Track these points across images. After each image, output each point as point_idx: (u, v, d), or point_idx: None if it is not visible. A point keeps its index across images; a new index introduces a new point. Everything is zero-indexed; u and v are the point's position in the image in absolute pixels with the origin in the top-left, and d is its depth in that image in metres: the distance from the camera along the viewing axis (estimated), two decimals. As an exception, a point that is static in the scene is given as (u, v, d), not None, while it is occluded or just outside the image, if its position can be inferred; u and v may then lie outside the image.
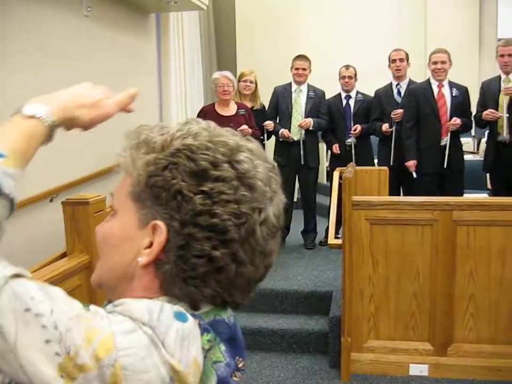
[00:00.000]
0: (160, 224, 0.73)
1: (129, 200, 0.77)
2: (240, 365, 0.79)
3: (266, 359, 3.81)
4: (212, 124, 0.79)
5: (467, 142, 6.84)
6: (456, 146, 4.69)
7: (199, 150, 0.73)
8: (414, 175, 4.70)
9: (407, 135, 4.77)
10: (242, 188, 0.74)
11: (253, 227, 0.74)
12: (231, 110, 4.70)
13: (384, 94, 5.19)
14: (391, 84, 5.20)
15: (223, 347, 0.75)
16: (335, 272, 4.32)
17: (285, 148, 5.29)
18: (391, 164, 4.94)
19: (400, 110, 4.93)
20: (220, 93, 4.63)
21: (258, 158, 0.78)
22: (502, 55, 4.47)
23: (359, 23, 8.00)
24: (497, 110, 4.50)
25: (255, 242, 0.75)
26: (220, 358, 0.74)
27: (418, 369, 3.45)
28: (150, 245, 0.74)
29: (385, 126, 5.02)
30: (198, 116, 4.73)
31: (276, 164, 0.82)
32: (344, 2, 8.07)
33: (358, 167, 4.24)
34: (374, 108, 5.25)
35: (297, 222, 5.56)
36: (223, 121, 4.59)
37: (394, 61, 5.10)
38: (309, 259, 5.02)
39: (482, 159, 5.09)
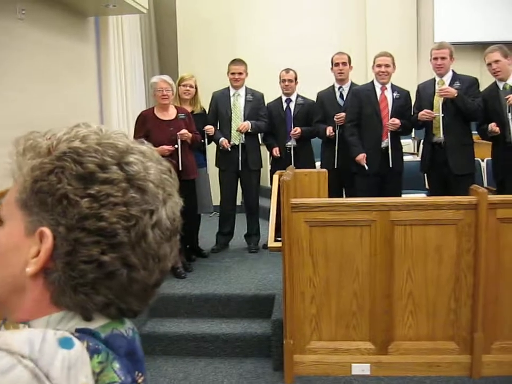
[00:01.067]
0: (46, 230, 0.70)
1: (16, 208, 0.73)
2: (139, 380, 0.74)
3: (210, 365, 3.78)
4: (104, 127, 0.77)
5: (407, 144, 6.98)
6: (396, 147, 4.77)
7: (86, 153, 0.70)
8: (366, 167, 4.73)
9: (349, 132, 4.82)
10: (132, 190, 0.71)
11: (144, 230, 0.71)
12: (171, 114, 4.64)
13: (327, 96, 5.23)
14: (333, 86, 5.25)
15: (117, 365, 0.70)
16: (277, 274, 4.31)
17: (225, 152, 5.27)
18: (335, 166, 4.99)
19: (343, 114, 4.97)
20: (158, 97, 4.57)
21: (151, 160, 0.75)
22: (436, 58, 4.57)
23: (300, 26, 8.06)
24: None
25: (147, 245, 0.72)
26: (113, 379, 0.69)
27: (360, 368, 3.49)
28: (38, 254, 0.70)
29: (329, 130, 5.06)
30: (137, 120, 4.66)
31: (171, 167, 0.80)
32: (285, 6, 8.12)
33: (297, 170, 4.26)
34: (317, 110, 5.29)
35: (241, 225, 5.56)
36: (163, 125, 4.57)
37: (337, 64, 5.15)
38: (252, 262, 5.02)
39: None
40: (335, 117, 4.99)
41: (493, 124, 4.45)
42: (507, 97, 4.29)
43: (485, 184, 5.45)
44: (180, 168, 4.44)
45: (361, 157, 4.75)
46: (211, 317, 4.14)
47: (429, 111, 4.52)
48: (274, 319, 3.71)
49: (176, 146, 4.49)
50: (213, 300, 4.18)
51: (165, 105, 4.60)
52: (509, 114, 4.33)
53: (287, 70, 5.46)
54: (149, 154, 0.76)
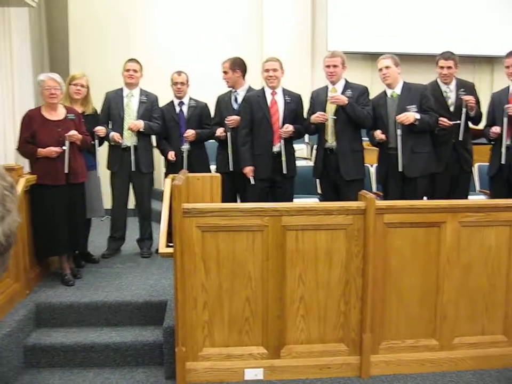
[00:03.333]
0: None
1: None
2: None
3: (100, 376, 3.63)
4: None
5: (301, 149, 7.12)
6: (288, 152, 4.83)
7: None
8: (252, 181, 4.77)
9: (242, 142, 4.84)
10: None
11: None
12: (59, 114, 4.43)
13: (224, 100, 5.23)
14: (230, 90, 5.24)
15: None
16: (170, 280, 4.23)
17: (117, 154, 5.14)
18: (229, 169, 4.98)
19: (234, 117, 4.98)
20: (46, 96, 4.35)
21: None
22: (328, 66, 4.67)
23: (194, 30, 8.03)
24: (324, 118, 4.70)
25: None
26: None
27: (253, 373, 3.48)
28: None
29: (219, 131, 5.06)
30: (23, 120, 4.41)
31: (13, 182, 0.73)
32: (179, 8, 8.04)
33: (190, 174, 4.20)
34: (215, 113, 5.29)
35: (133, 229, 5.42)
36: (50, 126, 4.36)
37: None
38: (144, 268, 4.91)
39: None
40: (226, 119, 4.99)
41: (378, 131, 4.64)
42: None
43: (374, 189, 5.66)
44: (66, 171, 4.27)
45: (248, 170, 4.79)
46: (101, 325, 4.00)
47: (322, 113, 4.61)
48: (166, 326, 3.63)
49: (64, 148, 4.30)
50: (102, 308, 4.03)
51: (53, 105, 4.39)
52: (398, 127, 4.52)
53: (179, 73, 5.40)
54: None
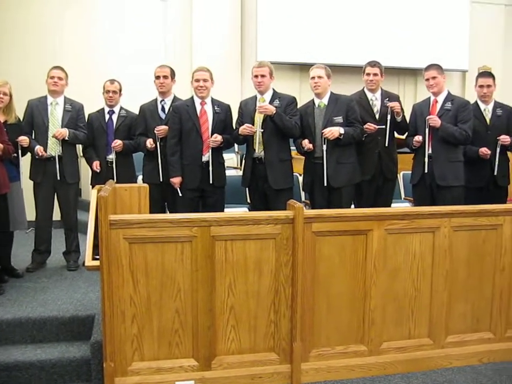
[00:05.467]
0: None
1: None
2: None
3: (24, 395, 3.49)
4: None
5: (230, 158, 7.14)
6: (218, 162, 4.82)
7: None
8: (179, 192, 4.74)
9: (171, 151, 4.79)
10: None
11: None
12: (-21, 123, 4.27)
13: (149, 109, 5.15)
14: (156, 99, 5.18)
15: None
16: (98, 293, 4.11)
17: (41, 164, 4.98)
18: (161, 179, 4.92)
19: (163, 126, 4.93)
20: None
21: None
22: (256, 76, 4.71)
23: (125, 38, 7.94)
24: (253, 127, 4.72)
25: None
26: None
27: (184, 386, 3.44)
28: None
29: (149, 142, 4.98)
30: None
31: None
32: (108, 15, 7.93)
33: (117, 185, 4.12)
34: (139, 123, 5.18)
35: (59, 242, 5.27)
36: (-32, 135, 4.18)
37: (158, 77, 5.10)
38: (71, 281, 4.77)
39: (242, 174, 5.29)
40: (155, 129, 4.93)
41: (306, 140, 4.71)
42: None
43: (303, 198, 5.72)
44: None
45: (176, 181, 4.76)
46: (25, 342, 3.84)
47: (249, 125, 4.64)
48: (94, 341, 3.53)
49: (-17, 158, 4.14)
50: (27, 324, 3.87)
51: (-29, 114, 4.22)
52: (324, 142, 4.60)
53: (112, 81, 5.32)
54: None
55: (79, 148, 5.38)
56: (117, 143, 5.13)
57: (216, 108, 4.85)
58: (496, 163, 5.05)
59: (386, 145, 5.00)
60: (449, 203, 4.43)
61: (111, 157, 5.17)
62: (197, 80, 4.79)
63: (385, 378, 3.62)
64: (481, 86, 5.18)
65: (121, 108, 5.35)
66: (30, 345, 3.82)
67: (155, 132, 4.92)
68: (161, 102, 5.14)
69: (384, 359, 3.70)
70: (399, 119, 5.03)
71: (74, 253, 5.23)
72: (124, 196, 3.99)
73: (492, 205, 3.93)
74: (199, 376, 3.45)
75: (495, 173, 5.07)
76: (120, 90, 5.35)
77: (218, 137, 4.72)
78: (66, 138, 4.99)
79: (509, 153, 5.27)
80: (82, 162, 5.39)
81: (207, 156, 4.76)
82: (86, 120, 5.29)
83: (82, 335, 3.86)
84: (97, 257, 3.25)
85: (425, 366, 3.75)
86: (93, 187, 4.75)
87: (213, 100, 4.89)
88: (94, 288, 4.47)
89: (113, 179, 4.89)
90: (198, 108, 4.81)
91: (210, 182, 4.74)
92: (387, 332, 3.71)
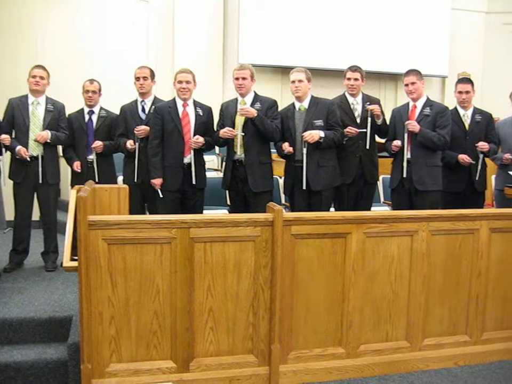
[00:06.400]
0: None
1: None
2: None
3: (0, 397, 3.47)
4: None
5: (211, 160, 7.13)
6: (199, 164, 4.82)
7: None
8: (160, 193, 4.73)
9: (153, 152, 4.78)
10: None
11: None
12: (-43, 122, 4.23)
13: (129, 110, 5.14)
14: (136, 100, 5.17)
15: None
16: (76, 294, 4.11)
17: (22, 164, 4.94)
18: (136, 180, 4.91)
19: (143, 127, 4.92)
20: None
21: None
22: (237, 78, 4.72)
23: (106, 39, 7.90)
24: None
25: None
26: None
27: (162, 388, 3.43)
28: None
29: (129, 143, 4.97)
30: None
31: None
32: (90, 15, 7.89)
33: (97, 185, 4.10)
34: (119, 123, 5.17)
35: (38, 242, 5.22)
36: None
37: (138, 78, 5.09)
38: (48, 282, 4.73)
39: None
40: (135, 129, 4.92)
41: (287, 143, 4.72)
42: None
43: (283, 200, 5.74)
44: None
45: (157, 182, 4.76)
46: (1, 344, 3.80)
47: (230, 129, 4.65)
48: (71, 342, 3.51)
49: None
50: (3, 325, 3.84)
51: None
52: (304, 146, 4.62)
53: (91, 81, 5.29)
54: None
55: (60, 148, 5.34)
56: (98, 144, 5.11)
57: (198, 110, 4.84)
58: (479, 169, 5.12)
59: (368, 148, 5.03)
60: (427, 207, 4.48)
61: (91, 157, 5.14)
62: (180, 82, 4.79)
63: (363, 381, 3.65)
64: (460, 92, 5.25)
65: (101, 108, 5.32)
66: (6, 346, 3.79)
67: (135, 132, 4.91)
68: (141, 102, 5.13)
69: (362, 361, 3.72)
70: (379, 122, 5.06)
71: (52, 253, 5.19)
72: (103, 197, 3.97)
73: (469, 210, 3.99)
74: (177, 378, 3.44)
75: (477, 178, 5.14)
76: (100, 90, 5.32)
77: (200, 139, 4.72)
78: (49, 141, 4.96)
79: (486, 159, 5.33)
80: (62, 162, 5.34)
81: (188, 158, 4.75)
82: None
83: (59, 336, 3.84)
84: (76, 258, 3.23)
85: (402, 369, 3.78)
86: (72, 187, 4.73)
87: (194, 101, 4.89)
88: (72, 289, 4.45)
89: (94, 179, 4.86)
90: (180, 109, 4.81)
91: (193, 183, 4.73)
92: (365, 335, 3.73)
